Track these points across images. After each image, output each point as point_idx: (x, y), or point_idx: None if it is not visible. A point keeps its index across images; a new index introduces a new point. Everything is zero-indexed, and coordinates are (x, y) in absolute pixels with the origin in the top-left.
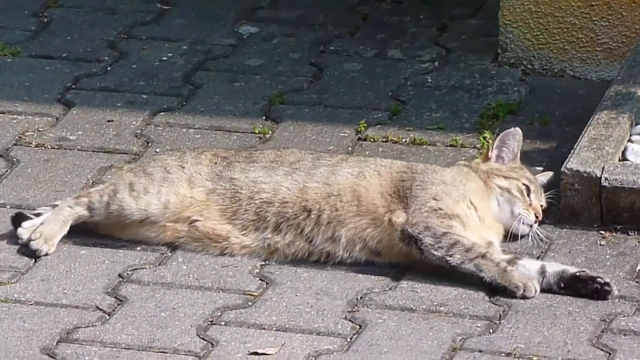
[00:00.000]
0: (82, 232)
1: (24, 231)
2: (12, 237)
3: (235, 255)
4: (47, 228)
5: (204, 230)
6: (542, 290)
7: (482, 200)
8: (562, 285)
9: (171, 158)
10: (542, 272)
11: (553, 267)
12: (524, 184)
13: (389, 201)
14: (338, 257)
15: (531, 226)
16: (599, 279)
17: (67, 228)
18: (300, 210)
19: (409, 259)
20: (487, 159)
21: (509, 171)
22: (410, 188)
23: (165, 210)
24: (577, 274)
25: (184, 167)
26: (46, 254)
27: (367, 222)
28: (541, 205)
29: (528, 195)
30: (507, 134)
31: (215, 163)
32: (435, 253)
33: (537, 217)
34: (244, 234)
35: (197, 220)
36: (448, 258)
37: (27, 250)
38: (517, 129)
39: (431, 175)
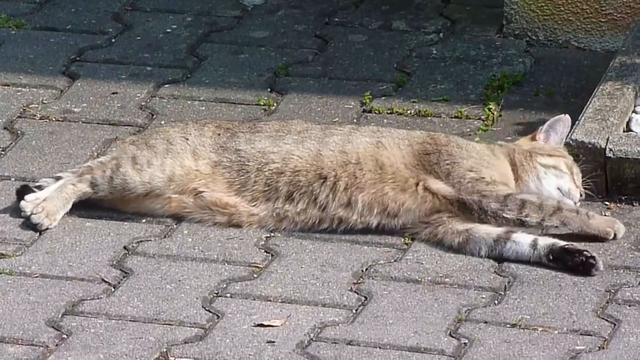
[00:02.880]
0: (87, 205)
1: (27, 204)
2: (17, 210)
3: (243, 224)
4: (50, 204)
5: (211, 200)
6: (534, 264)
7: (506, 179)
8: (552, 257)
9: (174, 130)
10: (534, 245)
11: (545, 241)
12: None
13: (415, 170)
14: (351, 222)
15: (575, 203)
16: (585, 252)
17: (69, 205)
18: (314, 177)
19: (426, 219)
20: (533, 139)
21: (554, 150)
22: (439, 157)
23: (170, 182)
24: (566, 246)
25: (187, 139)
26: (47, 228)
27: (391, 188)
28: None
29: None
30: (558, 120)
31: (219, 134)
32: (507, 216)
33: (581, 194)
34: (254, 205)
35: (203, 192)
36: (524, 219)
37: (30, 223)
38: (567, 116)
39: (458, 150)
